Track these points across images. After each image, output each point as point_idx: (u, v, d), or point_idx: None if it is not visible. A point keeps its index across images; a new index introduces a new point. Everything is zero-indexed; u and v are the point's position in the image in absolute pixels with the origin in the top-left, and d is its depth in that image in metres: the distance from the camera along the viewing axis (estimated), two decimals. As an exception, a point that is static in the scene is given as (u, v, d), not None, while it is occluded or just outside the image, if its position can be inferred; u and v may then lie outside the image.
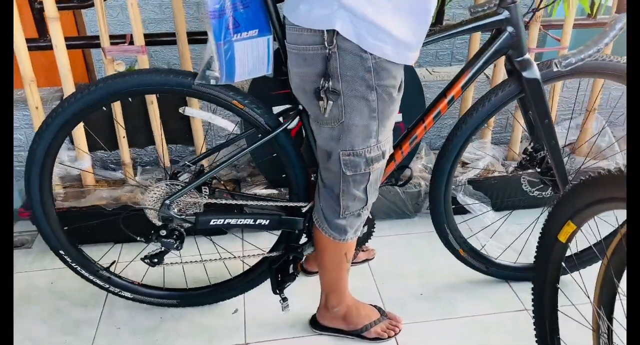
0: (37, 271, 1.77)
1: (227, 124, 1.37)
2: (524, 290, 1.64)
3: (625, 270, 1.05)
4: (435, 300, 1.66)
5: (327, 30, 1.03)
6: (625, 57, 1.43)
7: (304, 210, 1.41)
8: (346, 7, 1.00)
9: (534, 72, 1.34)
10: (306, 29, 1.05)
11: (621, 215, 1.02)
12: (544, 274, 1.19)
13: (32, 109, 1.70)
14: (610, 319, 1.10)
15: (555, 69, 1.21)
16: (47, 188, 1.37)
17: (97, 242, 1.81)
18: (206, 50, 1.18)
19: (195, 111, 1.37)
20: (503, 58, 1.37)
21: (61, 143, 1.33)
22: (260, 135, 1.32)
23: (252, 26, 1.17)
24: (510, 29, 1.29)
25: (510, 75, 1.39)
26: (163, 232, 1.34)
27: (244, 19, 1.15)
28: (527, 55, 1.33)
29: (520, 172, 1.60)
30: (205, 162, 1.80)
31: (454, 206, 1.61)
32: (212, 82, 1.21)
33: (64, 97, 1.74)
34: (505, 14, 1.27)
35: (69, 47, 1.66)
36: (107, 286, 1.52)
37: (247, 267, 1.58)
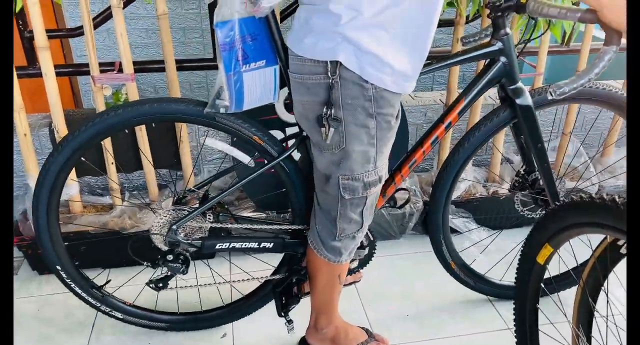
0: (23, 298, 1.77)
1: (243, 156, 1.40)
2: (507, 310, 1.68)
3: (603, 291, 1.10)
4: (421, 321, 1.69)
5: (331, 61, 1.08)
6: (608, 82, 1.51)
7: (306, 232, 1.45)
8: (350, 41, 1.06)
9: (527, 99, 1.40)
10: (309, 59, 1.11)
11: (595, 239, 1.08)
12: (524, 295, 1.23)
13: (20, 136, 1.71)
14: (589, 338, 1.15)
15: (550, 97, 1.27)
16: (55, 203, 1.38)
17: (87, 267, 1.81)
18: (216, 80, 1.23)
19: (218, 143, 1.41)
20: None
21: (75, 162, 1.35)
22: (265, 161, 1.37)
23: (260, 57, 1.22)
24: (503, 59, 1.35)
25: (503, 102, 1.45)
26: (170, 257, 1.37)
27: (253, 50, 1.20)
28: (519, 83, 1.40)
29: (514, 193, 1.65)
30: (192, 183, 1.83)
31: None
32: (222, 110, 1.26)
33: (52, 125, 1.76)
34: (498, 45, 1.34)
35: (58, 74, 1.68)
36: (99, 305, 1.52)
37: (239, 294, 1.60)
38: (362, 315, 1.71)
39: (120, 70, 1.71)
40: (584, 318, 1.16)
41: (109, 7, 1.66)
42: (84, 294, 1.50)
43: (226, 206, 1.50)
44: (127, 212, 1.88)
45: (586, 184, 2.11)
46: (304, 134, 1.30)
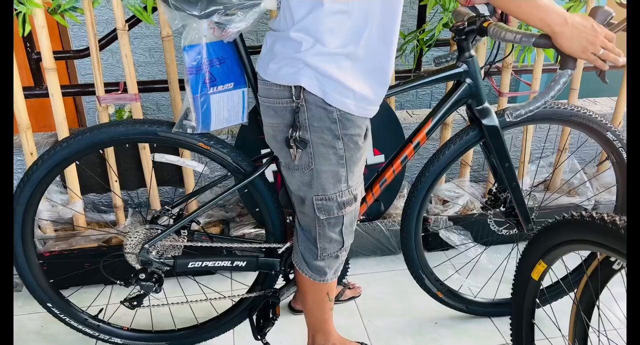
0: (27, 315, 1.79)
1: (197, 165, 1.44)
2: (505, 325, 1.69)
3: (597, 307, 1.12)
4: (420, 336, 1.71)
5: (295, 86, 1.12)
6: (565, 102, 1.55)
7: (280, 251, 1.47)
8: (310, 66, 1.10)
9: (493, 120, 1.43)
10: (275, 84, 1.15)
11: (586, 255, 1.10)
12: (520, 311, 1.26)
13: (26, 155, 1.74)
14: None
15: (507, 119, 1.32)
16: (29, 242, 1.40)
17: (89, 284, 1.84)
18: (183, 102, 1.27)
19: (165, 156, 1.45)
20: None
21: (40, 198, 1.37)
22: (229, 174, 1.40)
23: (228, 80, 1.27)
24: (468, 80, 1.39)
25: (471, 122, 1.48)
26: (142, 276, 1.38)
27: (220, 73, 1.25)
28: (485, 104, 1.43)
29: (487, 213, 1.68)
30: (195, 203, 1.86)
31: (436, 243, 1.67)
32: (189, 130, 1.30)
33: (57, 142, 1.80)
34: (463, 67, 1.38)
35: (64, 94, 1.73)
36: (97, 334, 1.54)
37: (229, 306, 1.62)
38: (363, 331, 1.72)
39: (125, 90, 1.75)
40: (580, 333, 1.18)
41: (114, 30, 1.71)
42: (79, 326, 1.52)
43: (200, 224, 1.51)
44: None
45: (581, 199, 2.14)
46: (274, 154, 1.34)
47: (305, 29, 1.07)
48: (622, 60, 1.10)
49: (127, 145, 1.82)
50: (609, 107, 2.32)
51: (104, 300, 1.75)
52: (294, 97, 1.13)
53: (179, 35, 1.22)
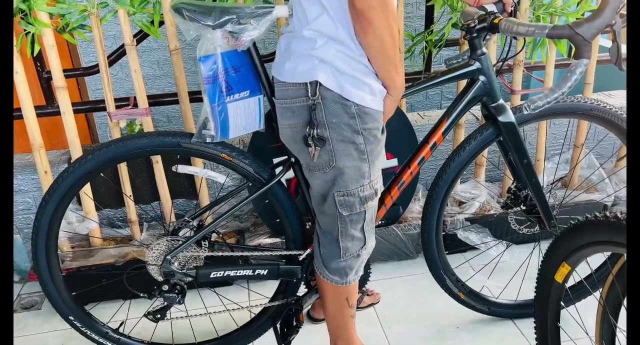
0: (47, 333, 1.79)
1: (218, 176, 1.44)
2: (529, 327, 1.66)
3: (624, 306, 1.09)
4: (441, 341, 1.68)
5: (310, 83, 1.12)
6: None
7: (300, 258, 1.46)
8: (326, 62, 1.11)
9: (509, 116, 1.42)
10: (291, 83, 1.16)
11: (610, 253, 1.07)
12: (544, 314, 1.23)
13: (40, 174, 1.76)
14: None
15: (525, 112, 1.30)
16: (53, 255, 1.41)
17: (107, 300, 1.84)
18: (201, 111, 1.28)
19: (187, 167, 1.45)
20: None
21: (65, 210, 1.39)
22: (250, 185, 1.40)
23: (244, 88, 1.27)
24: (482, 78, 1.38)
25: (487, 120, 1.47)
26: (165, 287, 1.38)
27: (236, 82, 1.25)
28: (500, 101, 1.41)
29: (507, 211, 1.65)
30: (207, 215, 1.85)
31: (455, 246, 1.65)
32: (208, 140, 1.30)
33: (70, 160, 1.81)
34: (476, 65, 1.37)
35: (75, 111, 1.74)
36: (117, 348, 1.54)
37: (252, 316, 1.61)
38: (383, 338, 1.70)
39: (135, 105, 1.76)
40: (607, 334, 1.15)
41: (122, 45, 1.71)
42: (101, 339, 1.52)
43: (221, 234, 1.51)
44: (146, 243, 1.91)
45: (600, 196, 2.10)
46: (292, 159, 1.33)
47: (320, 30, 1.10)
48: None
49: (151, 157, 1.82)
50: (625, 100, 2.27)
51: (122, 316, 1.75)
52: (309, 95, 1.13)
53: (185, 46, 1.23)
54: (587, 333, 1.15)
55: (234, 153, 1.35)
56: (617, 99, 2.32)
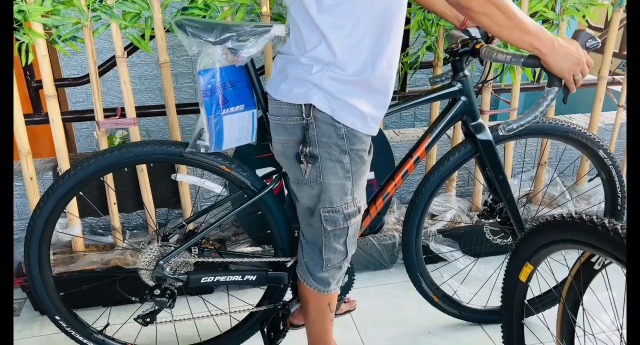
0: (26, 339, 1.79)
1: (216, 187, 1.50)
2: (496, 333, 1.75)
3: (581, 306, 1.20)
4: (415, 345, 1.76)
5: (305, 104, 1.20)
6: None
7: (288, 265, 1.53)
8: (320, 87, 1.18)
9: (487, 134, 1.53)
10: (286, 103, 1.23)
11: (571, 257, 1.18)
12: (510, 312, 1.32)
13: (26, 180, 1.78)
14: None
15: (500, 133, 1.41)
16: (45, 255, 1.44)
17: (86, 307, 1.86)
18: (197, 122, 1.34)
19: (186, 177, 1.51)
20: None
21: (61, 212, 1.42)
22: (246, 196, 1.46)
23: (239, 102, 1.34)
24: (463, 98, 1.49)
25: (466, 137, 1.57)
26: (157, 292, 1.42)
27: (232, 95, 1.32)
28: (480, 120, 1.52)
29: (483, 222, 1.76)
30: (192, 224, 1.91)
31: (426, 256, 1.74)
32: (202, 150, 1.36)
33: (57, 168, 1.85)
34: (458, 86, 1.47)
35: (63, 120, 1.78)
36: (101, 349, 1.56)
37: (235, 323, 1.66)
38: (359, 343, 1.77)
39: (122, 115, 1.82)
40: (567, 332, 1.25)
41: (111, 58, 1.78)
42: (85, 340, 1.55)
43: (211, 241, 1.57)
44: (128, 250, 1.94)
45: (549, 209, 2.24)
46: (283, 170, 1.40)
47: (317, 58, 1.16)
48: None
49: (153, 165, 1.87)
50: (584, 123, 2.44)
51: (103, 322, 1.77)
52: (304, 115, 1.20)
53: (175, 63, 1.30)
54: (552, 334, 1.25)
55: (233, 165, 1.42)
56: (576, 121, 2.49)
